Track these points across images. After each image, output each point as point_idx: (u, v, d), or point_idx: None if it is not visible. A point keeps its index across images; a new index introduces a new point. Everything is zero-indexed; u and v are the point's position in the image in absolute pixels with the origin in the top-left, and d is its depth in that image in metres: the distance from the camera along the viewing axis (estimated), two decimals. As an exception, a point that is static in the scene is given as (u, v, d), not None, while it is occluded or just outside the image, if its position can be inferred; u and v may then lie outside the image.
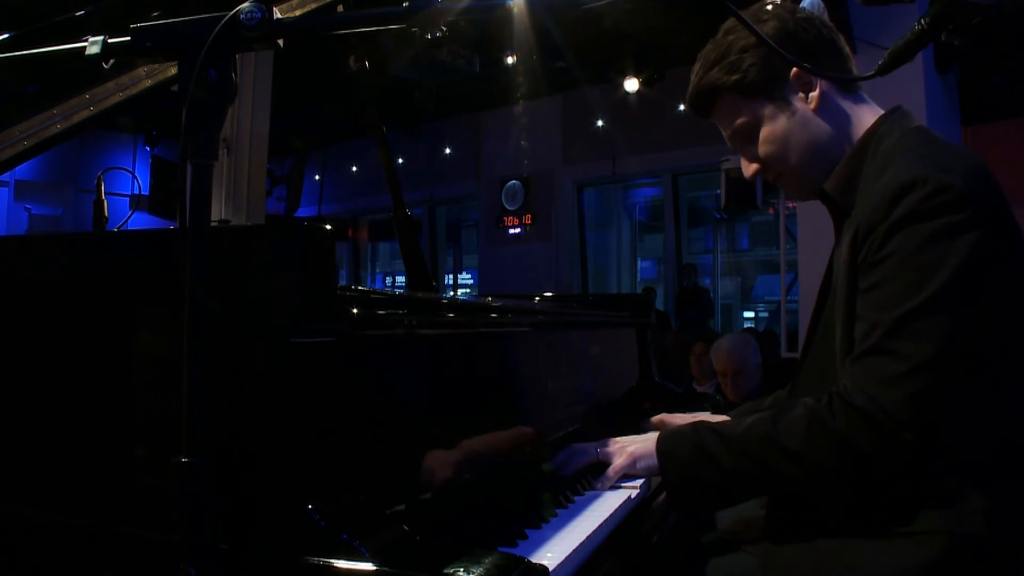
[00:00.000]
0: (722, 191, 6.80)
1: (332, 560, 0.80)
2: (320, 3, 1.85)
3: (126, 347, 0.97)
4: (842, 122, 1.27)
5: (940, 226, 1.03)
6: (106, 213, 1.90)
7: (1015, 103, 5.74)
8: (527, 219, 9.64)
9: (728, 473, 1.15)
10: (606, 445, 1.36)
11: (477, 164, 10.20)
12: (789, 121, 1.27)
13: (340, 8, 1.99)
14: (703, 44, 1.35)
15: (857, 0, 0.96)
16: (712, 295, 9.62)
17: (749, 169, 1.35)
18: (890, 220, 1.06)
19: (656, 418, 1.69)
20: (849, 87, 1.30)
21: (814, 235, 4.81)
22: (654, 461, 1.25)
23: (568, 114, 9.27)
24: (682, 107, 8.12)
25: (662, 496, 1.40)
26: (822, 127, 1.26)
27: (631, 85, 7.92)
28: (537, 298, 2.46)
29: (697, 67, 1.33)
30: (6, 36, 1.49)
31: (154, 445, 0.92)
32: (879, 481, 1.08)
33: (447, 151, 10.51)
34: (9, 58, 1.01)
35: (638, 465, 1.29)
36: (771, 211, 8.15)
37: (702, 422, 1.25)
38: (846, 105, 1.28)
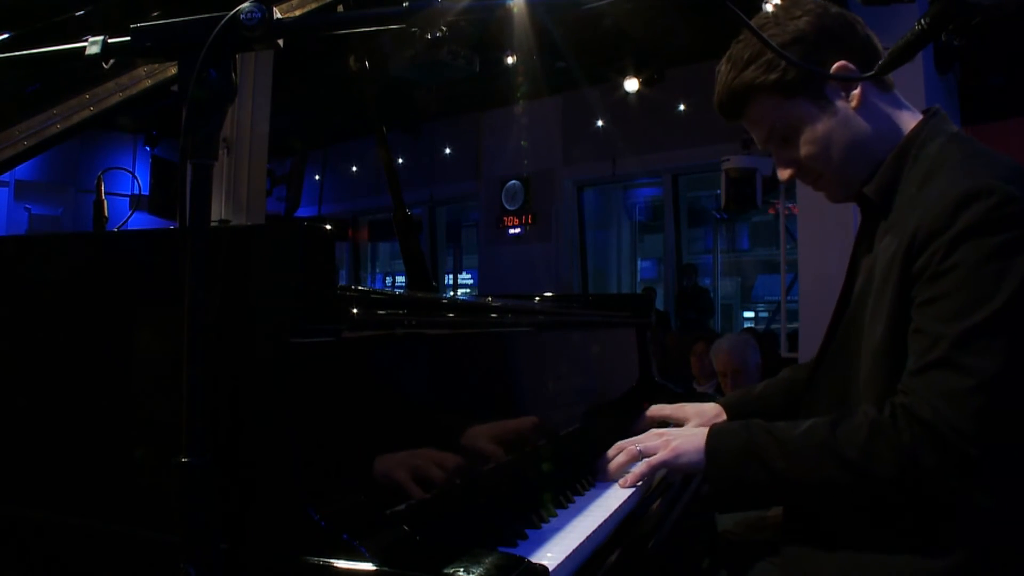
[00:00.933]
0: (722, 191, 6.82)
1: (332, 560, 0.80)
2: (320, 3, 1.85)
3: (126, 347, 0.97)
4: (882, 122, 1.24)
5: (1008, 239, 1.01)
6: (106, 213, 1.90)
7: (1015, 103, 5.74)
8: (527, 219, 9.64)
9: (777, 475, 1.12)
10: (649, 438, 1.31)
11: (477, 164, 10.20)
12: (831, 120, 1.23)
13: (340, 8, 1.99)
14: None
15: (857, 0, 0.95)
16: (712, 295, 9.62)
17: (784, 173, 1.30)
18: (954, 230, 1.03)
19: (649, 413, 1.64)
20: (885, 86, 1.26)
21: (814, 235, 4.82)
22: (699, 457, 1.21)
23: (568, 114, 9.27)
24: (682, 107, 8.14)
25: (661, 498, 1.40)
26: (863, 126, 1.23)
27: (631, 85, 7.92)
28: (537, 298, 2.46)
29: (726, 67, 1.28)
30: (6, 36, 1.49)
31: (154, 445, 0.92)
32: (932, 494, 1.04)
33: (447, 151, 10.51)
34: (9, 58, 1.01)
35: (680, 460, 1.24)
36: (771, 211, 8.16)
37: (754, 420, 1.23)
38: (884, 104, 1.25)
